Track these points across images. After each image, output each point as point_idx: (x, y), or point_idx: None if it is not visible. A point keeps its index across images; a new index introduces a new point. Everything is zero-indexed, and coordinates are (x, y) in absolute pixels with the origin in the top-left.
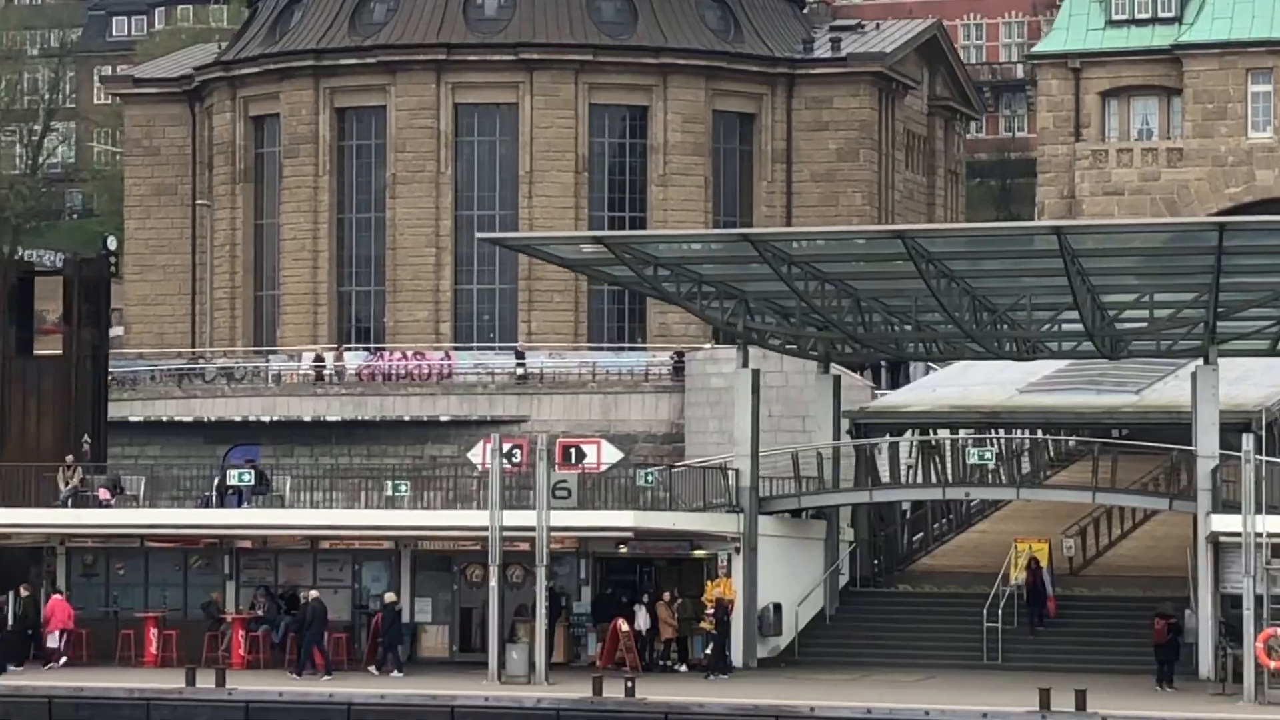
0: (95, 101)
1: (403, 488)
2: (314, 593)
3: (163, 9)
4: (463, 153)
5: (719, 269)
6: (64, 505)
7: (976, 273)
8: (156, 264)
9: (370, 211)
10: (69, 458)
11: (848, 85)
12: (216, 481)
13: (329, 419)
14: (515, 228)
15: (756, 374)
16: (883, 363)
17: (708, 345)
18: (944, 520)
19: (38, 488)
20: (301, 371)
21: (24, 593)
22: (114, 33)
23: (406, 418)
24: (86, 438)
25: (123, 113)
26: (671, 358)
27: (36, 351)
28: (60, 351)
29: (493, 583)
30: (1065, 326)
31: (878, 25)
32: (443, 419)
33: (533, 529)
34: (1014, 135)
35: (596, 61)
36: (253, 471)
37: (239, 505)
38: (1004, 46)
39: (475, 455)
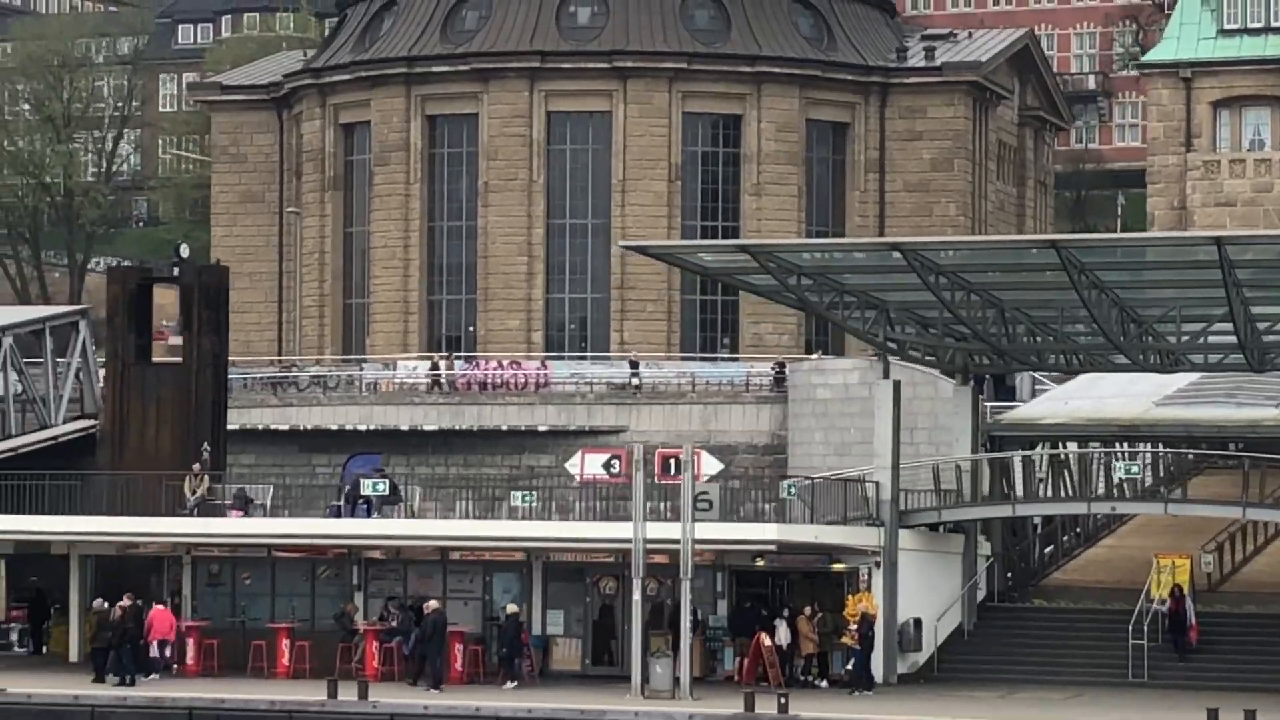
0: (162, 109)
1: (529, 498)
2: (434, 603)
3: (229, 17)
4: (555, 160)
5: (860, 278)
6: (191, 514)
7: (1127, 283)
8: (243, 271)
9: (461, 219)
10: (195, 466)
11: (942, 95)
12: (346, 491)
13: (426, 428)
14: (608, 236)
15: (898, 385)
16: (987, 375)
17: (814, 356)
18: (1071, 535)
19: (164, 497)
20: (414, 380)
21: (126, 602)
22: (180, 40)
23: (504, 427)
24: (206, 446)
25: (209, 119)
26: (772, 368)
27: (155, 359)
28: (180, 359)
29: (636, 596)
30: (1211, 339)
31: (970, 35)
32: (540, 429)
33: (674, 541)
34: (1087, 147)
35: (690, 69)
36: (387, 482)
37: (367, 514)
38: (1075, 57)
39: (573, 466)
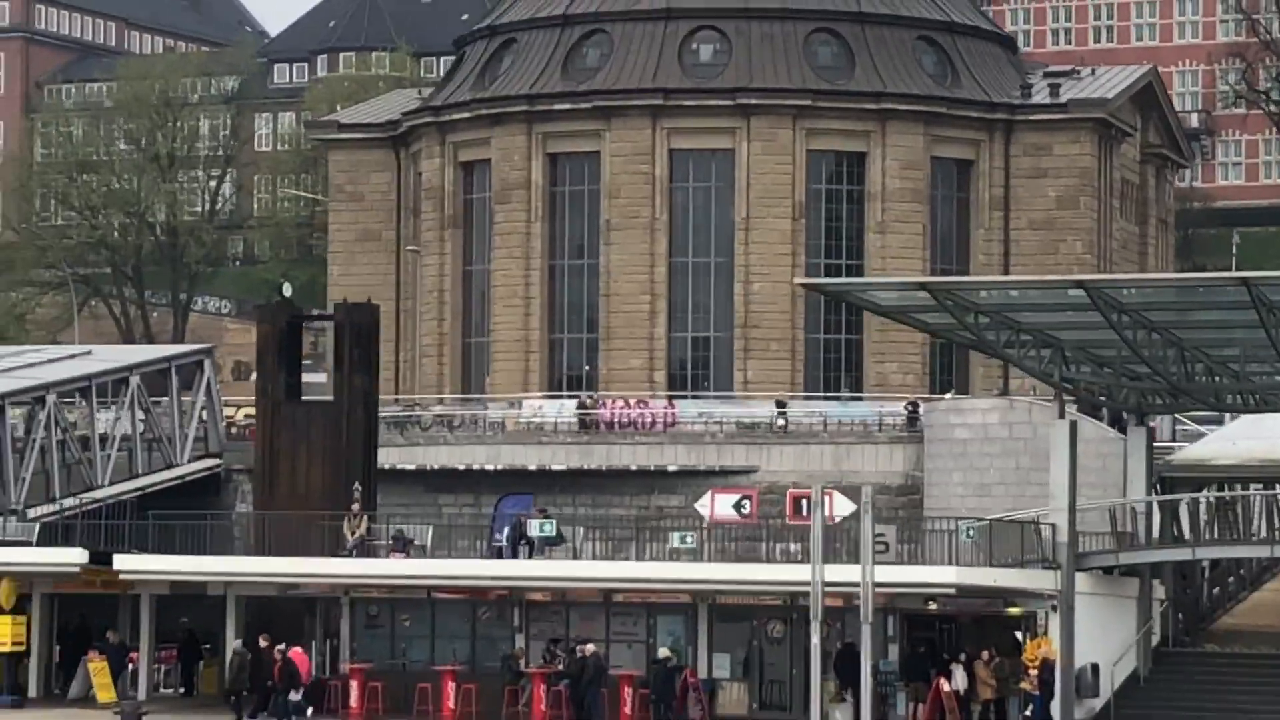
0: (258, 148)
1: (689, 539)
2: (590, 646)
3: (325, 56)
4: (677, 198)
5: (1036, 316)
6: (350, 555)
7: None
8: None
9: (582, 258)
10: (354, 506)
11: (1068, 132)
12: (506, 532)
13: (554, 468)
14: (730, 275)
15: (1074, 426)
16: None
17: (948, 395)
18: (1234, 578)
19: (320, 537)
20: (540, 419)
21: (262, 643)
22: (276, 80)
23: (633, 467)
24: (358, 485)
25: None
26: (905, 407)
27: (305, 397)
28: (330, 397)
29: (815, 640)
30: None
31: (1093, 71)
32: (670, 469)
33: (851, 584)
34: (1192, 185)
35: (814, 106)
36: (554, 522)
37: (529, 555)
38: (1179, 95)
39: (703, 506)
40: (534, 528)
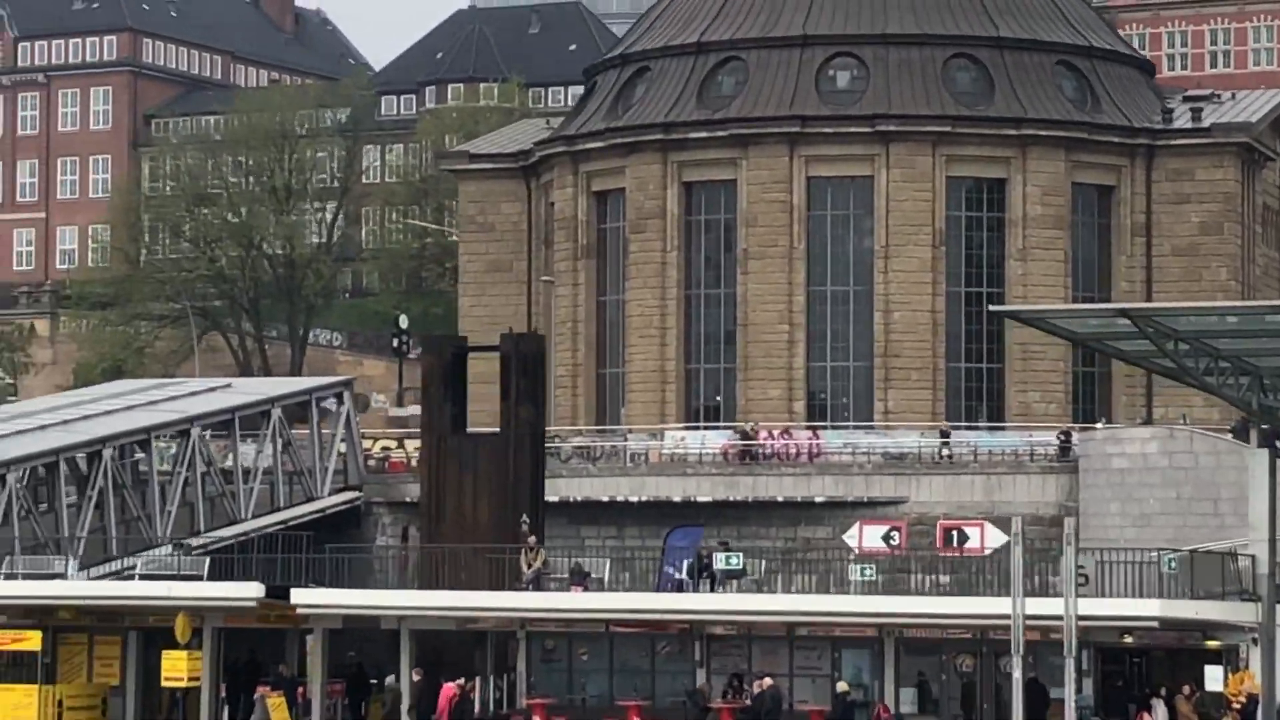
0: (365, 180)
1: (868, 571)
2: (768, 680)
3: (433, 88)
4: (815, 227)
5: (1235, 344)
6: (528, 588)
7: None
8: (492, 341)
9: (719, 287)
10: (531, 539)
11: (1211, 156)
12: (687, 564)
13: (699, 499)
14: (870, 304)
15: (1275, 455)
16: None
17: (1099, 424)
18: None
19: (491, 570)
20: (730, 449)
21: (417, 677)
22: (384, 112)
23: (780, 498)
24: (525, 518)
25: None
26: (1058, 437)
27: (470, 428)
28: (498, 428)
29: (1015, 674)
30: None
31: (1233, 96)
32: (817, 500)
33: (1051, 618)
34: None
35: (954, 133)
36: (740, 555)
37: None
38: None
39: (851, 537)
40: (720, 560)
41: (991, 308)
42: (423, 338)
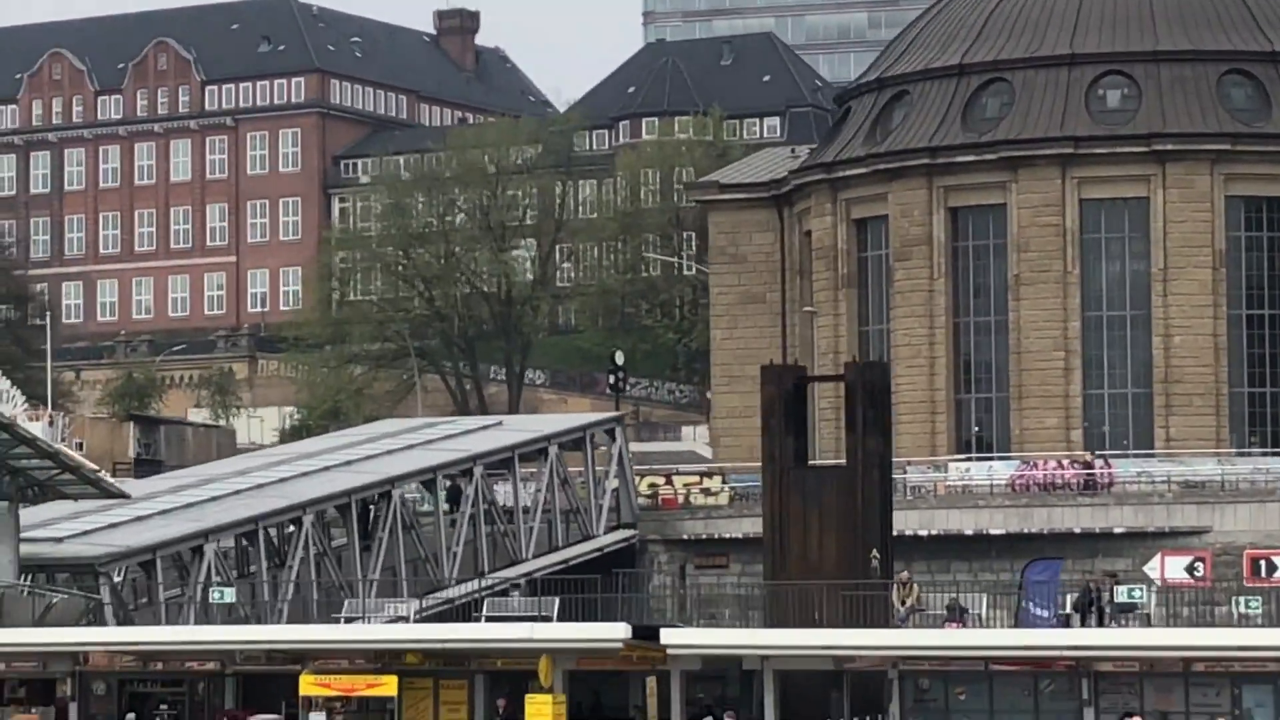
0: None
1: (1254, 604)
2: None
3: (627, 123)
4: (1089, 250)
5: None
6: (902, 625)
7: None
8: (745, 375)
9: (989, 315)
10: (904, 574)
11: None
12: (1073, 599)
13: (991, 532)
14: (1148, 328)
15: None
16: None
17: None
18: None
19: (847, 608)
20: (966, 481)
21: None
22: (577, 148)
23: (1076, 529)
24: (875, 553)
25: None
26: None
27: (813, 462)
28: (843, 461)
29: None
30: None
31: None
32: (1116, 530)
33: None
34: None
35: (1233, 151)
36: (1142, 588)
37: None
38: None
39: (1152, 569)
40: (1121, 594)
41: None
42: (763, 368)
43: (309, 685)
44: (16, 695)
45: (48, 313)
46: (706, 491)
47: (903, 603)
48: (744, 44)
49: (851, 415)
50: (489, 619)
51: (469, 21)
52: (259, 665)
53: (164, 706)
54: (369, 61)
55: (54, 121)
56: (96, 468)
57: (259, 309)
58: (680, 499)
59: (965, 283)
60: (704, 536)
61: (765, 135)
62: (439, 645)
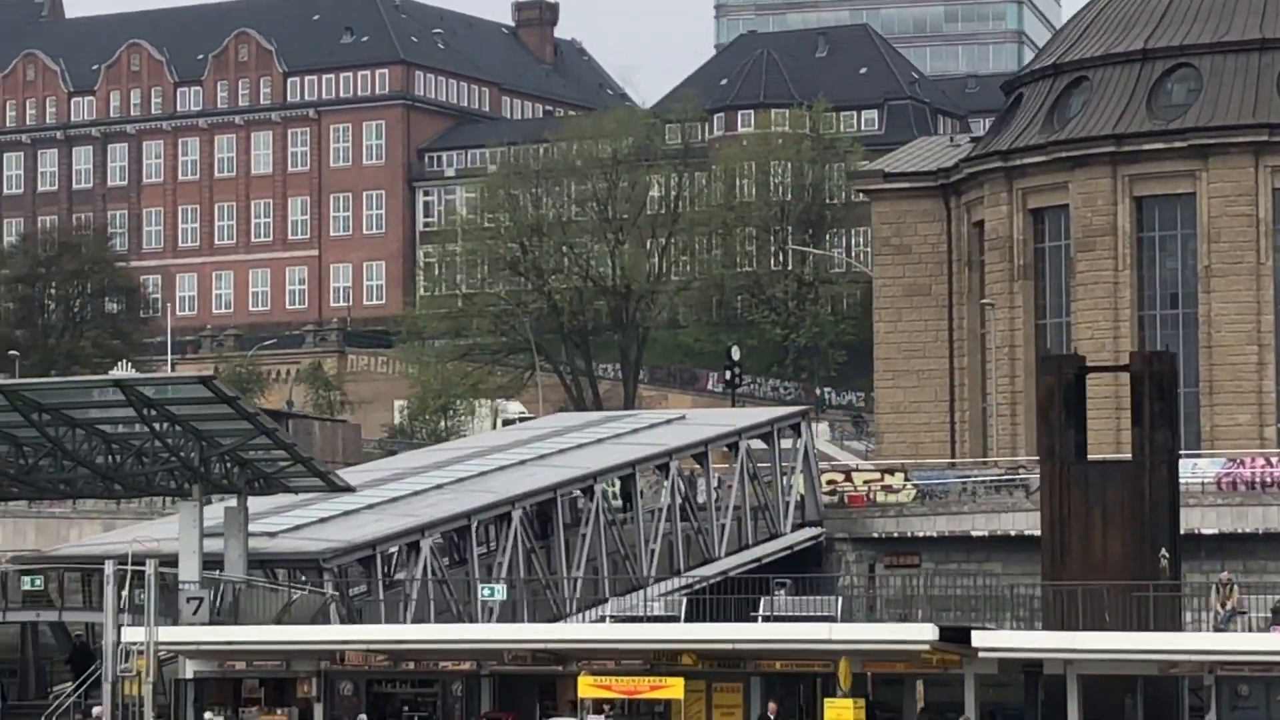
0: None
1: None
2: None
3: (721, 115)
4: None
5: None
6: (1223, 629)
7: None
8: (910, 369)
9: (1177, 307)
10: (1224, 575)
11: None
12: None
13: (1203, 531)
14: None
15: None
16: None
17: None
18: None
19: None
20: (1204, 478)
21: None
22: (667, 140)
23: None
24: (1164, 553)
25: (870, 211)
26: None
27: (1092, 456)
28: (1129, 456)
29: None
30: None
31: None
32: None
33: None
34: None
35: None
36: None
37: None
38: None
39: None
40: None
41: None
42: (1041, 358)
43: (588, 687)
44: (254, 696)
45: (165, 303)
46: (888, 489)
47: (1223, 605)
48: (838, 35)
49: (1138, 407)
50: (765, 619)
51: (548, 14)
52: (523, 666)
53: (405, 707)
54: (451, 53)
55: (132, 113)
56: (326, 461)
57: (342, 303)
58: (866, 496)
59: (1151, 274)
60: (895, 535)
61: (863, 128)
62: (724, 646)
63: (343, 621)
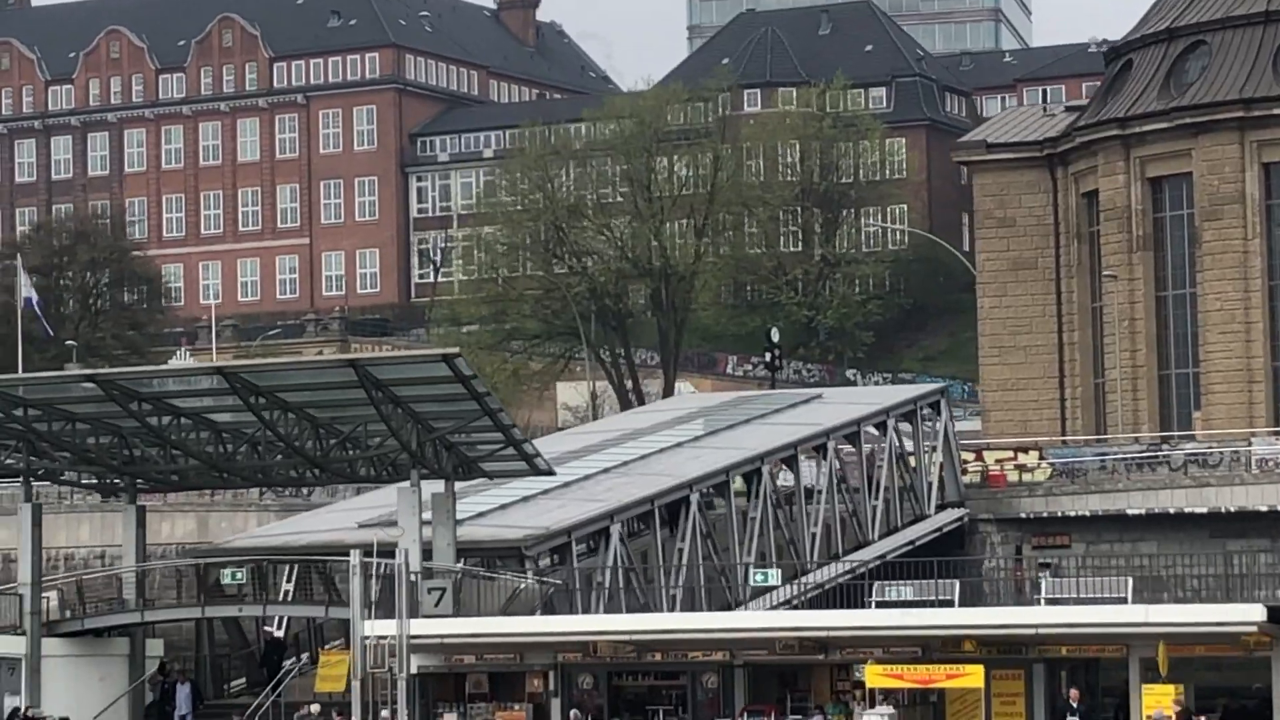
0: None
1: None
2: None
3: (726, 95)
4: None
5: None
6: None
7: None
8: (1016, 345)
9: None
10: None
11: None
12: None
13: None
14: None
15: None
16: None
17: None
18: None
19: None
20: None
21: None
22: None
23: None
24: None
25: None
26: None
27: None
28: None
29: None
30: None
31: None
32: None
33: None
34: None
35: None
36: None
37: None
38: None
39: None
40: None
41: None
42: None
43: (875, 677)
44: (479, 691)
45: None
46: (1022, 468)
47: None
48: (841, 13)
49: None
50: (1047, 602)
51: None
52: (788, 655)
53: (648, 702)
54: (440, 37)
55: (112, 101)
56: (533, 444)
57: (335, 292)
58: (1006, 475)
59: None
60: (1045, 514)
61: (870, 106)
62: (1016, 631)
63: (544, 612)
